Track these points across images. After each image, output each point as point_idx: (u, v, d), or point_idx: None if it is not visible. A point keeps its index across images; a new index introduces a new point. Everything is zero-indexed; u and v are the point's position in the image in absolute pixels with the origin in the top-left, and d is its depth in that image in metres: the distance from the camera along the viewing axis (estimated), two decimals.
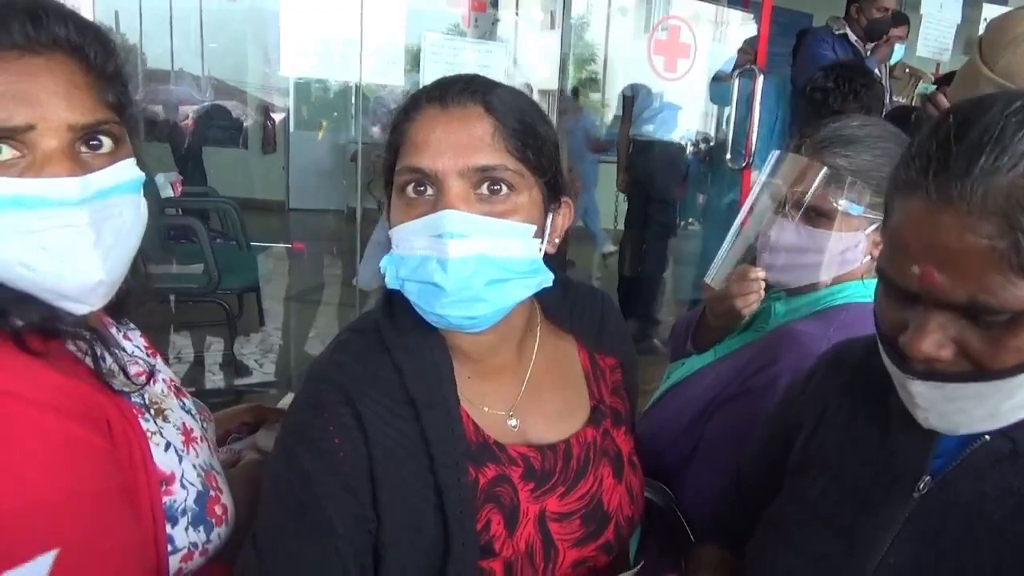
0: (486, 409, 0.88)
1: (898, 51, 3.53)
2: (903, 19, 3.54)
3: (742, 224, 1.27)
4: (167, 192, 3.53)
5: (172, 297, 3.22)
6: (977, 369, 0.61)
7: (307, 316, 4.27)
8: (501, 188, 0.77)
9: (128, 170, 0.76)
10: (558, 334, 0.97)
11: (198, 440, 0.86)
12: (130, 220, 0.76)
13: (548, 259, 0.85)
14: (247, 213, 3.99)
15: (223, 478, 0.89)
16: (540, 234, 0.82)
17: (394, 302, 0.86)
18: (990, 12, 3.89)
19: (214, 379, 3.43)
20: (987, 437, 0.69)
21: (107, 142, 0.75)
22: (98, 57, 0.75)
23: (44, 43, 0.70)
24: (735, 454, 1.05)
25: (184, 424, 0.85)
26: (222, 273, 3.05)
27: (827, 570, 0.75)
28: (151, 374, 0.83)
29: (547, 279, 0.83)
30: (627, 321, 3.66)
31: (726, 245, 1.28)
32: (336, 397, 0.80)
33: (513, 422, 0.89)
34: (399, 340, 0.84)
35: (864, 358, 0.86)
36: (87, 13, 1.93)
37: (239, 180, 6.30)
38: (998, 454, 0.69)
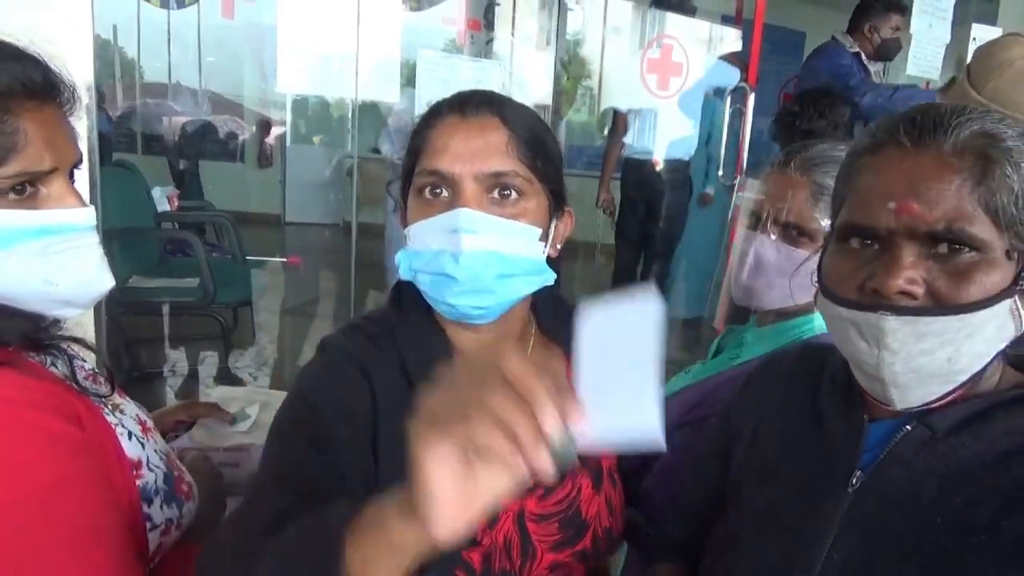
0: None
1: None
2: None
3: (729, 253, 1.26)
4: (163, 206, 3.55)
5: (166, 310, 3.23)
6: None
7: (302, 330, 4.28)
8: (511, 193, 0.83)
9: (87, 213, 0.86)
10: (549, 347, 1.00)
11: (151, 430, 0.95)
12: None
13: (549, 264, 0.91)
14: (243, 227, 4.00)
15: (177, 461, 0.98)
16: (544, 238, 0.87)
17: (403, 297, 0.92)
18: (979, 32, 3.94)
19: (209, 392, 3.43)
20: (908, 428, 0.72)
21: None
22: (68, 101, 0.84)
23: (49, 91, 0.80)
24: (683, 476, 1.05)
25: (138, 416, 0.94)
26: (217, 287, 3.06)
27: (781, 571, 0.76)
28: (111, 379, 0.92)
29: (550, 278, 0.88)
30: None
31: (721, 275, 1.27)
32: (349, 361, 0.85)
33: None
34: (405, 329, 0.89)
35: (794, 366, 0.90)
36: (86, 27, 1.95)
37: (235, 194, 6.33)
38: (920, 441, 0.72)
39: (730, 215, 1.27)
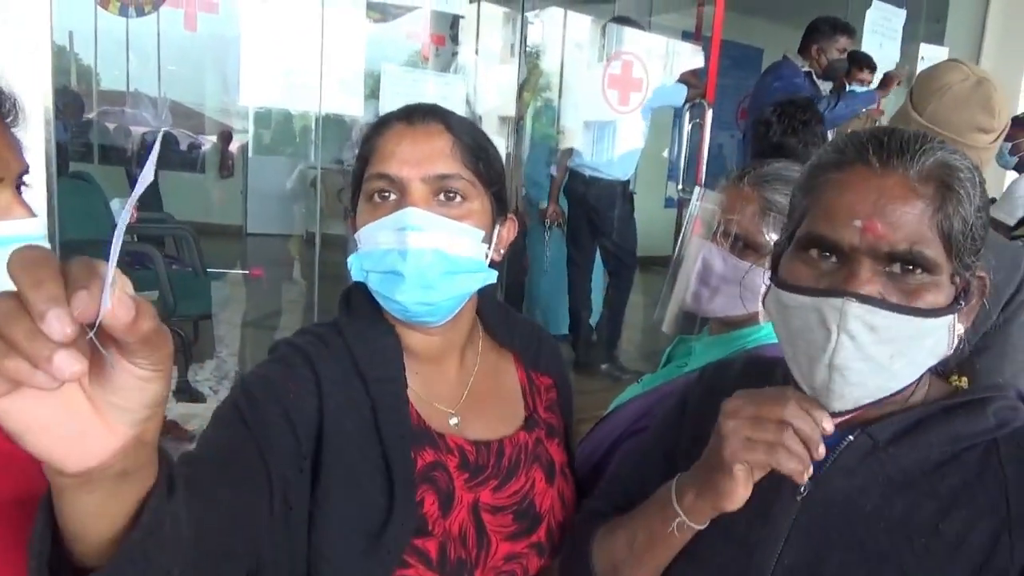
0: (433, 404, 0.95)
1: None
2: (871, 63, 3.70)
3: (681, 256, 1.29)
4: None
5: None
6: None
7: (264, 342, 4.23)
8: (456, 195, 0.88)
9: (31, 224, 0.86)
10: (498, 350, 1.06)
11: None
12: None
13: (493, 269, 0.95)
14: (204, 238, 3.96)
15: None
16: (488, 240, 0.92)
17: (352, 299, 0.96)
18: (927, 52, 4.09)
19: (167, 407, 3.37)
20: (851, 437, 0.77)
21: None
22: (9, 111, 0.84)
23: None
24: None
25: None
26: (178, 300, 3.03)
27: None
28: None
29: (491, 277, 0.92)
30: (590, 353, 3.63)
31: (672, 281, 1.29)
32: (298, 357, 0.89)
33: (454, 420, 0.96)
34: (353, 327, 0.93)
35: (740, 378, 0.93)
36: (45, 34, 1.93)
37: (196, 204, 6.24)
38: (863, 450, 0.77)
39: (686, 224, 1.31)
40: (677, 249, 1.30)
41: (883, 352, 0.70)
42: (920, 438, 0.75)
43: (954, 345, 0.73)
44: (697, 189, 1.30)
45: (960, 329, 0.73)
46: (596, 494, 1.02)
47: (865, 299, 0.68)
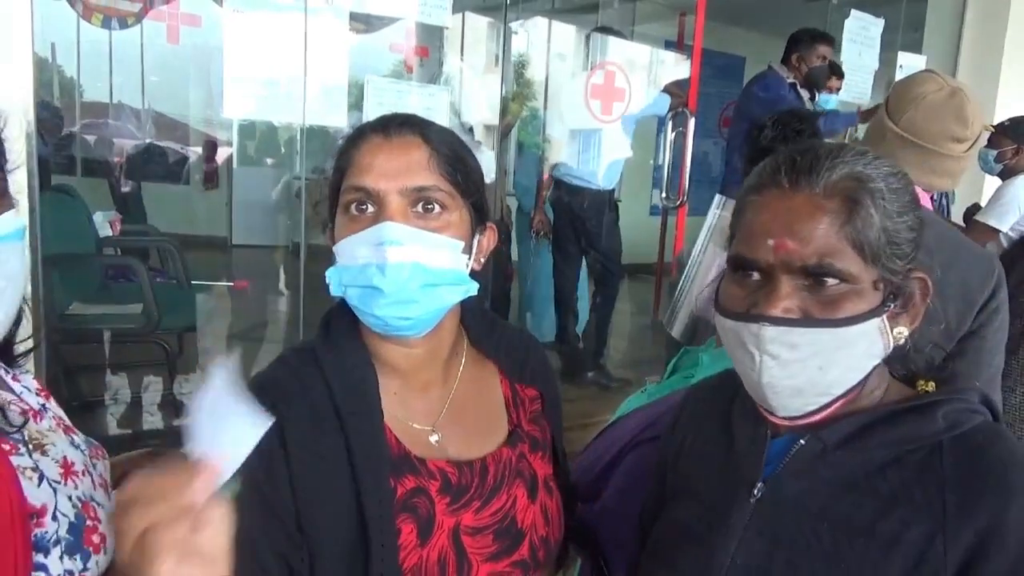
0: (411, 424, 0.94)
1: (833, 100, 3.75)
2: (840, 71, 3.77)
3: (696, 263, 1.30)
4: (105, 231, 3.48)
5: (107, 337, 3.16)
6: None
7: (250, 354, 4.22)
8: (434, 207, 0.87)
9: (10, 221, 0.82)
10: (482, 361, 1.05)
11: (79, 473, 0.89)
12: (17, 265, 0.82)
13: (477, 285, 0.94)
14: (188, 250, 3.94)
15: (105, 510, 0.91)
16: (468, 251, 0.91)
17: (330, 326, 0.95)
18: (905, 60, 4.15)
19: (152, 420, 3.35)
20: (803, 441, 0.80)
21: None
22: None
23: None
24: (639, 497, 1.09)
25: (65, 458, 0.88)
26: (162, 313, 3.01)
27: None
28: (37, 413, 0.88)
29: (472, 288, 0.92)
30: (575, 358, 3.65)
31: (684, 288, 1.31)
32: (260, 397, 0.86)
33: (435, 437, 0.95)
34: (330, 357, 0.92)
35: (714, 390, 0.98)
36: (26, 45, 1.93)
37: (180, 216, 6.21)
38: (812, 453, 0.80)
39: (703, 231, 1.32)
40: (692, 256, 1.31)
41: (811, 365, 0.73)
42: (867, 440, 0.78)
43: (892, 345, 0.76)
44: (717, 197, 1.30)
45: (901, 330, 0.76)
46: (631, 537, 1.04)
47: (778, 321, 0.73)
